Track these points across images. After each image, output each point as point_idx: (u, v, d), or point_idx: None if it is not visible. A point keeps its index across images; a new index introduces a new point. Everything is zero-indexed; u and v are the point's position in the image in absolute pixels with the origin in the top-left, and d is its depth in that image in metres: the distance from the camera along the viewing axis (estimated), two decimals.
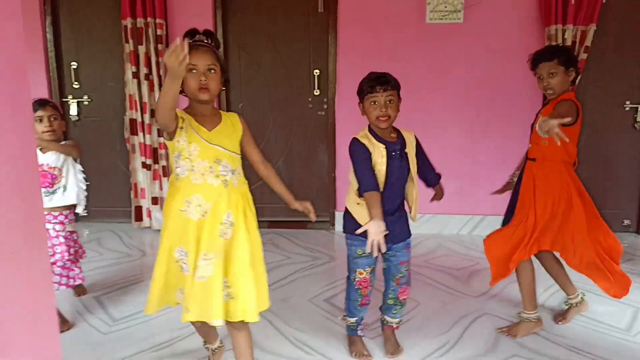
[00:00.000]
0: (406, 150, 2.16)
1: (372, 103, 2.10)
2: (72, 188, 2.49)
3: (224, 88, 1.89)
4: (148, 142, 3.87)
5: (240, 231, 1.83)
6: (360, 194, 2.10)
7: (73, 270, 2.55)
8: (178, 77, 1.52)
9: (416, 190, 2.20)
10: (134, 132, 3.88)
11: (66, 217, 2.48)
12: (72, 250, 2.52)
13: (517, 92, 3.86)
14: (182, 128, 1.74)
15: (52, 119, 2.43)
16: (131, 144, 3.90)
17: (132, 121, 3.86)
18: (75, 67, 4.01)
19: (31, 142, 1.45)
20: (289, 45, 4.02)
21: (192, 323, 2.04)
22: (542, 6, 3.66)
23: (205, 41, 1.81)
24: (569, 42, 3.64)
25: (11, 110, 1.34)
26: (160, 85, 3.78)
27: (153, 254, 3.53)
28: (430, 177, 2.35)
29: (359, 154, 2.10)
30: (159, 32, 3.75)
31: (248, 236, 1.85)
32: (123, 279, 3.09)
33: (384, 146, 2.10)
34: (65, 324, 2.47)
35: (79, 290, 2.85)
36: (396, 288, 2.28)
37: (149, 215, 4.00)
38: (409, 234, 2.27)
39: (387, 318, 2.35)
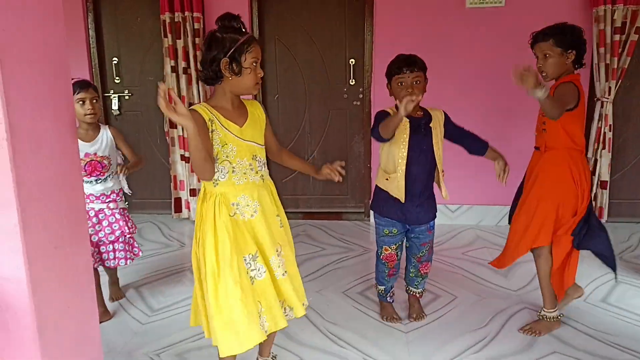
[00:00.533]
0: (431, 124, 2.24)
1: (399, 84, 2.18)
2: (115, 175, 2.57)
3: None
4: (186, 135, 3.94)
5: (285, 230, 1.85)
6: (376, 130, 2.17)
7: (134, 245, 2.67)
8: (189, 125, 1.47)
9: (441, 173, 2.30)
10: (173, 125, 3.96)
11: (117, 194, 2.57)
12: (129, 224, 2.60)
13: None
14: (213, 131, 1.65)
15: (93, 102, 2.43)
16: (170, 137, 3.99)
17: None
18: (116, 62, 4.13)
19: (73, 141, 1.50)
20: (325, 35, 3.98)
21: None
22: None
23: (250, 33, 1.73)
24: (618, 24, 3.44)
25: (53, 111, 1.39)
26: (198, 79, 3.83)
27: (191, 246, 3.60)
28: (473, 145, 2.35)
29: (382, 115, 2.21)
30: (196, 25, 3.79)
31: (288, 230, 1.87)
32: (162, 270, 3.18)
33: (407, 120, 2.17)
34: (106, 314, 2.57)
35: (116, 293, 2.80)
36: (417, 264, 2.46)
37: (188, 207, 4.08)
38: (434, 217, 2.38)
39: (411, 288, 2.54)
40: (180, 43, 3.79)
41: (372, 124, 2.27)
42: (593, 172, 3.69)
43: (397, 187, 2.25)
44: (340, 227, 3.98)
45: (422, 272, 2.48)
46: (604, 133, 3.60)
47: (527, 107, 3.71)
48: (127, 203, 2.71)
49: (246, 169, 1.72)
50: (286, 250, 1.83)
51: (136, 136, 4.17)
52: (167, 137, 4.01)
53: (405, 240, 2.44)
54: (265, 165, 1.82)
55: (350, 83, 4.01)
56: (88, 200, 2.46)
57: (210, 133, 1.64)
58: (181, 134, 3.95)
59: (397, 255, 2.42)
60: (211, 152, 1.63)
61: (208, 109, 1.67)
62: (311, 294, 2.81)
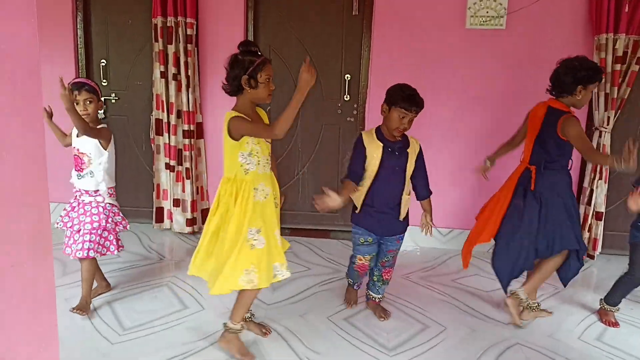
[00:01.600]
0: (408, 150, 2.47)
1: (400, 117, 2.37)
2: (98, 175, 2.58)
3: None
4: (173, 143, 3.80)
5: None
6: (343, 178, 2.51)
7: (108, 240, 2.65)
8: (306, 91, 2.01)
9: (405, 194, 2.51)
10: (159, 132, 3.81)
11: (107, 190, 2.62)
12: (110, 220, 2.62)
13: None
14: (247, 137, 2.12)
15: (87, 103, 2.50)
16: (156, 144, 3.84)
17: (158, 121, 3.79)
18: (104, 64, 3.99)
19: (41, 155, 1.36)
20: (321, 48, 3.89)
21: (243, 296, 2.28)
22: (593, 13, 3.41)
23: (264, 56, 2.19)
24: (619, 53, 3.38)
25: (19, 116, 1.25)
26: (188, 86, 3.71)
27: (171, 259, 3.46)
28: (420, 188, 2.58)
29: (357, 151, 2.49)
30: (189, 31, 3.67)
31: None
32: (137, 283, 3.01)
33: (382, 145, 2.44)
34: (108, 287, 2.85)
35: (103, 287, 2.87)
36: (381, 269, 2.69)
37: (170, 217, 3.93)
38: (402, 230, 2.60)
39: (372, 293, 2.77)
40: (171, 48, 3.67)
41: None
42: (589, 203, 3.61)
43: (357, 198, 2.54)
44: (327, 245, 3.85)
45: (384, 277, 2.72)
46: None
47: None
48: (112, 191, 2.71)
49: (265, 162, 2.21)
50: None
51: (121, 141, 4.01)
52: (152, 144, 3.86)
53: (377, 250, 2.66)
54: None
55: (345, 99, 3.90)
56: (79, 194, 2.60)
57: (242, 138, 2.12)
58: (167, 141, 3.80)
59: (369, 266, 2.67)
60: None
61: (238, 115, 2.11)
62: (294, 318, 2.67)
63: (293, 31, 3.88)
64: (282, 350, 2.36)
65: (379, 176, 2.46)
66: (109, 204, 2.64)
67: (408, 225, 2.65)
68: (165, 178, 3.87)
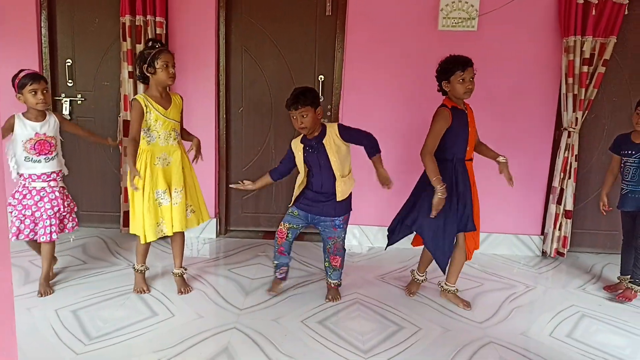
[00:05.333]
0: (323, 141, 2.68)
1: (293, 117, 2.66)
2: (61, 155, 2.87)
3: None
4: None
5: (187, 168, 2.82)
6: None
7: (68, 220, 2.92)
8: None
9: (338, 176, 2.71)
10: (126, 134, 3.70)
11: (57, 174, 2.84)
12: (66, 203, 2.87)
13: (532, 102, 3.67)
14: (148, 112, 2.65)
15: (44, 92, 2.73)
16: (124, 146, 3.74)
17: (126, 122, 3.69)
18: (69, 64, 3.86)
19: None
20: (294, 49, 3.85)
21: (137, 248, 2.88)
22: (561, 16, 3.47)
23: (165, 46, 2.74)
24: (586, 55, 3.45)
25: None
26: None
27: None
28: (367, 148, 2.71)
29: (286, 154, 2.88)
30: (158, 30, 3.58)
31: (190, 172, 2.86)
32: (104, 291, 2.91)
33: (302, 145, 2.76)
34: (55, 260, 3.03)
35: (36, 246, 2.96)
36: (328, 255, 2.88)
37: None
38: (336, 215, 2.77)
39: (328, 278, 2.97)
40: (140, 48, 3.57)
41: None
42: (559, 202, 3.67)
43: (295, 192, 2.85)
44: (301, 248, 3.81)
45: (332, 264, 2.88)
46: (570, 163, 3.59)
47: (493, 129, 3.68)
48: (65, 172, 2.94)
49: (167, 136, 2.72)
50: (187, 189, 2.84)
51: (87, 143, 3.90)
52: (119, 146, 3.76)
53: (321, 235, 2.88)
54: (179, 134, 2.82)
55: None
56: (30, 180, 2.76)
57: (146, 114, 2.65)
58: None
59: (286, 236, 2.83)
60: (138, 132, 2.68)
61: (145, 97, 2.67)
62: (268, 322, 2.62)
63: (266, 32, 3.83)
64: (256, 356, 2.30)
65: (313, 173, 2.76)
66: (62, 187, 2.87)
67: (348, 212, 2.82)
68: None
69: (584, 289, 3.26)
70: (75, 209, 2.99)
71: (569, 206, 3.68)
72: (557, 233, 3.72)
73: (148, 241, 2.75)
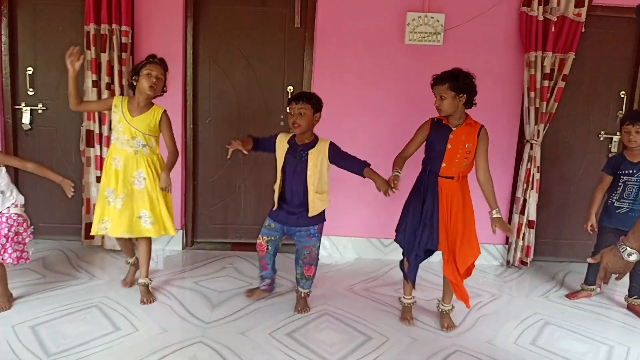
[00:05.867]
0: (309, 151, 2.68)
1: (291, 113, 2.68)
2: (9, 190, 2.72)
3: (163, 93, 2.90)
4: (104, 156, 3.61)
5: (149, 183, 2.79)
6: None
7: (7, 250, 2.60)
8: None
9: (312, 190, 2.69)
10: (90, 144, 3.62)
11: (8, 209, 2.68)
12: (12, 229, 2.64)
13: (496, 115, 3.76)
14: (114, 112, 2.79)
15: None
16: (86, 156, 3.64)
17: (89, 132, 3.60)
18: (30, 72, 3.75)
19: None
20: (263, 60, 3.85)
21: (119, 243, 3.09)
22: (523, 32, 3.59)
23: (157, 60, 2.82)
24: (547, 70, 3.58)
25: None
26: (122, 96, 3.54)
27: (102, 278, 3.26)
28: (353, 167, 2.70)
29: (268, 137, 2.85)
30: (124, 39, 3.52)
31: (154, 186, 2.80)
32: (65, 306, 2.80)
33: (287, 146, 2.74)
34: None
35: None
36: (302, 266, 2.86)
37: None
38: (310, 225, 2.77)
39: (299, 287, 2.95)
40: (104, 57, 3.50)
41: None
42: (522, 212, 3.77)
43: (275, 195, 2.81)
44: None
45: (305, 274, 2.87)
46: (533, 174, 3.70)
47: None
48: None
49: (125, 141, 2.76)
50: (150, 202, 2.82)
51: (48, 154, 3.79)
52: (82, 157, 3.66)
53: (296, 246, 2.87)
54: (144, 146, 2.79)
55: (287, 111, 3.86)
56: None
57: (112, 113, 2.81)
58: (98, 153, 3.61)
59: (267, 248, 2.84)
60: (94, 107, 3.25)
61: (124, 99, 2.82)
62: (235, 336, 2.57)
63: (235, 42, 3.82)
64: None
65: (286, 176, 2.74)
66: (15, 214, 2.70)
67: (322, 222, 2.82)
68: (96, 192, 3.65)
69: (547, 297, 3.33)
70: (27, 241, 2.74)
71: (532, 216, 3.77)
72: (520, 243, 3.81)
73: (92, 234, 2.92)
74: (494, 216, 2.57)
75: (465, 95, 2.57)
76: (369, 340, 2.61)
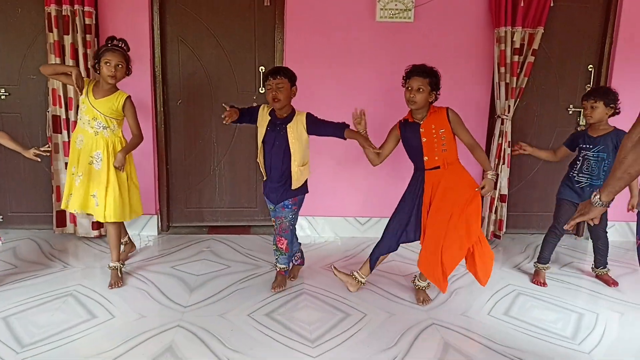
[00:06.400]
0: (287, 125, 2.71)
1: (269, 88, 2.68)
2: None
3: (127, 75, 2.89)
4: None
5: (104, 165, 2.83)
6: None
7: None
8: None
9: (296, 164, 2.73)
10: (57, 129, 3.52)
11: None
12: None
13: (467, 91, 3.80)
14: (82, 95, 2.84)
15: None
16: (54, 142, 3.54)
17: (55, 118, 3.50)
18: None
19: None
20: (233, 40, 3.78)
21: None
22: (492, 8, 3.61)
23: (118, 45, 2.84)
24: (517, 45, 3.60)
25: None
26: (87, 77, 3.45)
27: (76, 265, 3.21)
28: (335, 133, 2.72)
29: (252, 107, 2.85)
30: (87, 21, 3.40)
31: (110, 168, 2.84)
32: (38, 295, 2.75)
33: (269, 118, 2.76)
34: None
35: None
36: (274, 236, 2.91)
37: (73, 221, 3.65)
38: (286, 198, 2.79)
39: (276, 263, 2.98)
40: (68, 39, 3.39)
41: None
42: (494, 187, 3.83)
43: (260, 167, 2.84)
44: (247, 241, 3.77)
45: (278, 246, 2.89)
46: (504, 149, 3.75)
47: None
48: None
49: (87, 121, 2.83)
50: (96, 181, 2.86)
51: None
52: (49, 143, 3.55)
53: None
54: (105, 128, 2.84)
55: (260, 91, 3.83)
56: None
57: (80, 95, 2.86)
58: (66, 139, 3.52)
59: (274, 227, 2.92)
60: (64, 71, 2.86)
61: (91, 82, 2.87)
62: (213, 318, 2.58)
63: (203, 22, 3.73)
64: (201, 353, 2.26)
65: (265, 149, 2.77)
66: None
67: (299, 195, 2.82)
68: (65, 179, 3.57)
69: (519, 269, 3.43)
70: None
71: (504, 190, 3.84)
72: (493, 216, 3.89)
73: (62, 208, 2.99)
74: (488, 177, 2.64)
75: (435, 93, 2.68)
76: (347, 317, 2.65)
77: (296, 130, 2.72)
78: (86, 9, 3.39)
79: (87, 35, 3.42)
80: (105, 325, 2.47)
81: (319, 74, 3.72)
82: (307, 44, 3.68)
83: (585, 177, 3.03)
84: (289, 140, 2.71)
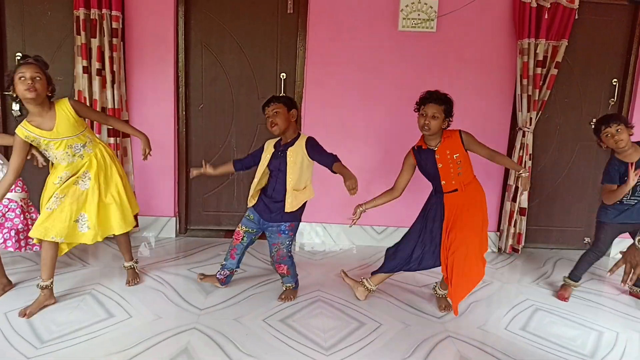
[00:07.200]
0: (288, 149, 2.69)
1: (267, 116, 2.71)
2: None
3: (50, 94, 2.50)
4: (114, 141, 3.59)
5: (95, 184, 2.59)
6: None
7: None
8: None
9: (290, 187, 2.68)
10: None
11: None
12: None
13: (488, 103, 3.77)
14: (33, 140, 2.45)
15: None
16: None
17: None
18: (19, 57, 3.68)
19: None
20: (255, 46, 3.82)
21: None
22: (516, 19, 3.59)
23: (29, 59, 2.42)
24: (540, 57, 3.57)
25: None
26: (113, 82, 3.51)
27: (95, 265, 3.26)
28: (326, 162, 2.65)
29: (255, 151, 2.91)
30: (114, 25, 3.48)
31: (97, 185, 2.61)
32: (58, 293, 2.79)
33: (274, 150, 2.78)
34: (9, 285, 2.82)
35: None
36: (274, 263, 2.87)
37: None
38: (283, 221, 2.74)
39: (281, 280, 2.98)
40: (95, 42, 3.46)
41: None
42: (513, 199, 3.79)
43: (252, 188, 2.84)
44: (263, 246, 3.75)
45: (279, 272, 2.87)
46: (525, 162, 3.71)
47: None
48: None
49: (64, 155, 2.52)
50: (90, 206, 2.62)
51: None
52: None
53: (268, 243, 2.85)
54: (84, 146, 2.58)
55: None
56: None
57: (32, 145, 2.50)
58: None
59: (242, 238, 2.85)
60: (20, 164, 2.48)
61: (25, 126, 2.43)
62: (228, 322, 2.59)
63: (227, 28, 3.78)
64: (216, 356, 2.27)
65: (272, 175, 2.78)
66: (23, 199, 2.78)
67: (295, 221, 2.79)
68: None
69: (538, 284, 3.37)
70: (19, 227, 2.77)
71: (524, 204, 3.80)
72: (512, 230, 3.84)
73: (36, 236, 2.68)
74: (523, 176, 2.70)
75: (448, 120, 2.67)
76: (362, 326, 2.64)
77: (297, 154, 2.68)
78: (113, 13, 3.46)
79: (114, 39, 3.48)
80: (123, 324, 2.50)
81: (340, 81, 3.73)
82: (329, 51, 3.70)
83: (635, 200, 2.92)
84: (287, 164, 2.68)
